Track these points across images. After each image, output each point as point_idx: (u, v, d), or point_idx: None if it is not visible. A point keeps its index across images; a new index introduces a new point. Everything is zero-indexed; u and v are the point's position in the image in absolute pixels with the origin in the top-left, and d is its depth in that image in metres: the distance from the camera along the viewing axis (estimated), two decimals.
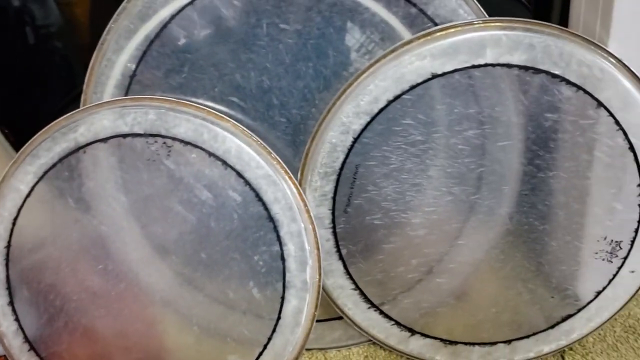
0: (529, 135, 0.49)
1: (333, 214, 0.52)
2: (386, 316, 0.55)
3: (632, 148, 0.48)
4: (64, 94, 0.66)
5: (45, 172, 0.50)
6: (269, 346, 0.51)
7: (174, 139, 0.49)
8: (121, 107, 0.50)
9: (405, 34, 0.51)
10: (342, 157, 0.50)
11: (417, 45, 0.47)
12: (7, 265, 0.52)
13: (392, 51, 0.47)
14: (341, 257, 0.53)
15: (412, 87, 0.48)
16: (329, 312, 0.57)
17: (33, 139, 0.50)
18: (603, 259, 0.52)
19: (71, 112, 0.50)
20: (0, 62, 0.64)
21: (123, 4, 0.50)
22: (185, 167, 0.50)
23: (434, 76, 0.47)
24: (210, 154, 0.49)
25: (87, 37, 0.64)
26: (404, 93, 0.48)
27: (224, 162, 0.49)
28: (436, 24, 0.50)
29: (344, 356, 0.59)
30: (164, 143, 0.49)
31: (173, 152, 0.49)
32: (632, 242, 0.51)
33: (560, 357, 0.58)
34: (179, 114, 0.49)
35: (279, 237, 0.50)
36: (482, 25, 0.46)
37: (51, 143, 0.50)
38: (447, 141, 0.49)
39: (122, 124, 0.49)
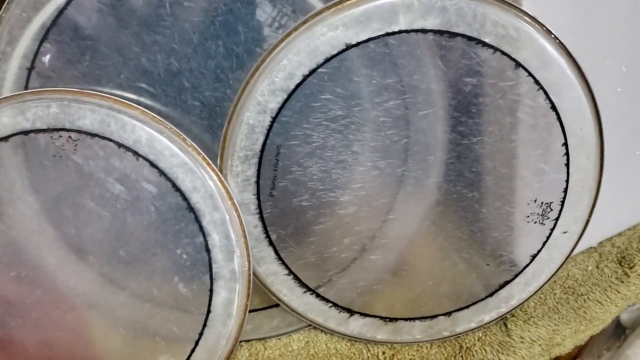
0: (450, 101, 0.47)
1: (258, 198, 0.50)
2: (323, 299, 0.54)
3: (554, 107, 0.47)
4: None
5: None
6: (200, 342, 0.49)
7: (79, 131, 0.46)
8: (20, 102, 0.46)
9: (319, 4, 0.49)
10: (261, 138, 0.48)
11: (329, 15, 0.45)
12: None
13: (304, 22, 0.45)
14: (271, 243, 0.51)
15: (327, 60, 0.46)
16: (265, 300, 0.55)
17: None
18: (535, 222, 0.51)
19: None
20: None
21: None
22: (94, 160, 0.47)
23: (349, 47, 0.45)
24: (120, 145, 0.46)
25: None
26: (319, 66, 0.46)
27: (135, 153, 0.47)
28: None
29: (285, 344, 0.57)
30: (70, 137, 0.46)
31: (80, 146, 0.46)
32: (562, 202, 0.51)
33: (503, 324, 0.58)
34: (83, 104, 0.46)
35: (201, 228, 0.48)
36: None
37: None
38: (368, 114, 0.48)
39: (23, 120, 0.46)
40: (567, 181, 0.50)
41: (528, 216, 0.51)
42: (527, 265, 0.53)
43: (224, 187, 0.48)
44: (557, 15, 0.48)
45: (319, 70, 0.46)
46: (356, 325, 0.55)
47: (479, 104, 0.47)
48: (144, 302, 0.49)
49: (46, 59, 0.48)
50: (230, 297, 0.49)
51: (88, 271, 0.49)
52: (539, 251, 0.52)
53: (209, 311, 0.49)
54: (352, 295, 0.54)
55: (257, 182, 0.49)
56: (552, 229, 0.51)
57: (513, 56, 0.46)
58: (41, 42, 0.47)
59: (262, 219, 0.51)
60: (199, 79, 0.49)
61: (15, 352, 0.49)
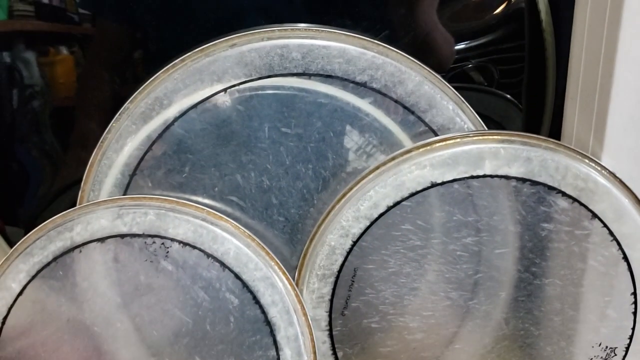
0: (525, 243, 0.49)
1: (330, 316, 0.52)
2: None
3: (625, 258, 0.49)
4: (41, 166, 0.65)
5: (39, 271, 0.49)
6: None
7: (173, 239, 0.49)
8: (119, 206, 0.49)
9: (403, 137, 0.52)
10: (340, 259, 0.50)
11: (417, 155, 0.48)
12: None
13: (392, 159, 0.48)
14: None
15: (412, 195, 0.48)
16: None
17: (27, 236, 0.50)
18: None
19: (67, 211, 0.50)
20: None
21: (126, 104, 0.50)
22: (183, 268, 0.49)
23: (434, 185, 0.48)
24: (209, 256, 0.49)
25: (63, 99, 0.63)
26: (403, 200, 0.48)
27: (222, 264, 0.49)
28: (434, 131, 0.51)
29: None
30: (163, 244, 0.49)
31: (171, 253, 0.49)
32: (627, 348, 0.51)
33: None
34: (179, 214, 0.49)
35: (275, 342, 0.50)
36: (480, 137, 0.47)
37: (46, 241, 0.49)
38: (445, 247, 0.50)
39: (121, 224, 0.49)
40: (633, 329, 0.51)
41: (591, 358, 0.52)
42: None
43: (300, 303, 0.50)
44: (634, 169, 0.50)
45: (403, 203, 0.49)
46: None
47: (553, 249, 0.49)
48: None
49: (147, 168, 0.51)
50: None
51: None
52: None
53: None
54: None
55: (331, 300, 0.51)
56: None
57: (590, 207, 0.48)
58: (145, 152, 0.51)
59: (331, 336, 0.52)
60: (286, 197, 0.52)
61: None
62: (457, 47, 0.62)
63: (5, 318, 0.50)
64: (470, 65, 0.63)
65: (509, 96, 0.62)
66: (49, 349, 0.50)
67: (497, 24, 0.63)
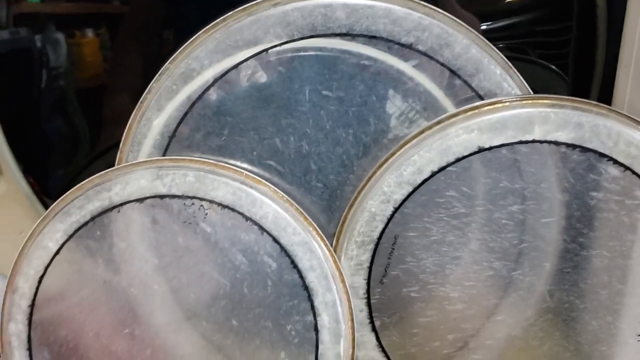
0: (573, 212, 0.48)
1: (368, 284, 0.51)
2: None
3: None
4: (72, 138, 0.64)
5: (76, 231, 0.49)
6: None
7: (211, 201, 0.48)
8: (159, 167, 0.49)
9: (447, 103, 0.51)
10: (381, 226, 0.49)
11: (464, 119, 0.47)
12: (29, 325, 0.50)
13: (438, 123, 0.47)
14: (374, 329, 0.52)
15: (457, 160, 0.47)
16: None
17: (65, 195, 0.49)
18: None
19: (106, 170, 0.49)
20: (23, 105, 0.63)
21: (166, 64, 0.49)
22: (221, 230, 0.48)
23: (481, 150, 0.47)
24: (247, 219, 0.48)
25: (91, 79, 0.63)
26: (449, 165, 0.47)
27: (261, 227, 0.48)
28: (480, 96, 0.50)
29: None
30: (202, 206, 0.48)
31: (210, 215, 0.48)
32: None
33: None
34: (218, 176, 0.48)
35: (313, 307, 0.49)
36: (530, 101, 0.46)
37: (84, 201, 0.49)
38: (490, 215, 0.48)
39: (160, 185, 0.48)
40: None
41: (639, 334, 0.50)
42: None
43: (338, 269, 0.49)
44: None
45: (449, 168, 0.47)
46: None
47: (602, 219, 0.48)
48: None
49: (187, 129, 0.51)
50: None
51: (198, 336, 0.50)
52: None
53: None
54: None
55: (370, 267, 0.50)
56: None
57: None
58: (185, 113, 0.50)
59: (369, 304, 0.51)
60: (326, 163, 0.51)
61: None
62: (498, 25, 0.60)
63: (41, 277, 0.50)
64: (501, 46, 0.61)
65: (553, 67, 0.60)
66: (85, 310, 0.50)
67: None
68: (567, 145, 0.46)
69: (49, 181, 0.64)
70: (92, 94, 0.63)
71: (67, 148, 0.63)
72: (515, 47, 0.61)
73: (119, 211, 0.49)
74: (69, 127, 0.63)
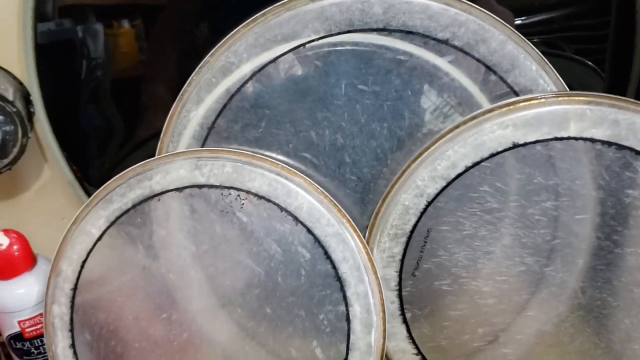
0: (607, 210, 0.48)
1: (400, 276, 0.51)
2: None
3: None
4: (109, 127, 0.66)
5: (118, 218, 0.51)
6: None
7: (248, 192, 0.49)
8: (198, 157, 0.50)
9: (482, 99, 0.51)
10: (414, 219, 0.50)
11: (499, 114, 0.47)
12: (72, 307, 0.52)
13: (473, 118, 0.47)
14: (405, 321, 0.53)
15: (492, 155, 0.47)
16: None
17: (107, 183, 0.51)
18: None
19: (147, 160, 0.51)
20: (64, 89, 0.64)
21: (206, 57, 0.51)
22: (257, 220, 0.50)
23: (515, 145, 0.47)
24: (282, 209, 0.49)
25: (126, 70, 0.65)
26: (483, 160, 0.48)
27: (296, 218, 0.49)
28: (515, 92, 0.50)
29: None
30: (239, 196, 0.49)
31: (246, 205, 0.49)
32: None
33: None
34: (255, 167, 0.50)
35: (345, 297, 0.50)
36: (566, 98, 0.46)
37: (126, 189, 0.51)
38: (523, 211, 0.49)
39: (199, 175, 0.50)
40: None
41: None
42: None
43: (370, 261, 0.50)
44: None
45: (483, 163, 0.48)
46: None
47: (637, 217, 0.47)
48: None
49: (225, 121, 0.52)
50: None
51: (233, 323, 0.51)
52: None
53: None
54: None
55: (402, 260, 0.51)
56: None
57: None
58: (224, 105, 0.51)
59: (400, 296, 0.52)
60: (360, 156, 0.52)
61: None
62: (533, 20, 0.60)
63: (84, 262, 0.51)
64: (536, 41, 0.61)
65: (590, 63, 0.60)
66: (125, 294, 0.52)
67: None
68: (603, 142, 0.46)
69: (90, 169, 0.66)
70: (127, 85, 0.64)
71: (105, 137, 0.64)
72: (551, 42, 0.60)
73: (159, 200, 0.50)
74: (106, 117, 0.65)
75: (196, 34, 0.61)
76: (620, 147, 0.46)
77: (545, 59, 0.49)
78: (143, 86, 0.64)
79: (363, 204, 0.54)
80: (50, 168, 0.64)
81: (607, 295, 0.50)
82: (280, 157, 0.53)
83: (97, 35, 0.62)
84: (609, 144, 0.46)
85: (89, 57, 0.63)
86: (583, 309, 0.51)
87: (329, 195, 0.50)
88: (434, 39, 0.49)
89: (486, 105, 0.50)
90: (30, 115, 0.60)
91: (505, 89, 0.50)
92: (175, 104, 0.52)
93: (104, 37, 0.62)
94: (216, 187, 0.50)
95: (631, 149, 0.46)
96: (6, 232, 0.54)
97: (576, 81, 0.60)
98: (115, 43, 0.62)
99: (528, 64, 0.49)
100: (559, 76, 0.50)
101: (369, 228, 0.51)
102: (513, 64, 0.49)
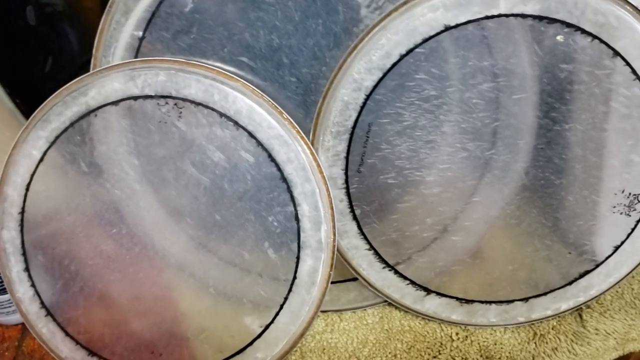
0: (544, 87, 0.48)
1: (346, 174, 0.52)
2: (401, 276, 0.55)
3: None
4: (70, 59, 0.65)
5: (57, 137, 0.50)
6: (285, 306, 0.51)
7: (184, 99, 0.49)
8: (131, 69, 0.49)
9: None
10: (354, 115, 0.50)
11: None
12: (21, 231, 0.52)
13: (404, 3, 0.47)
14: (355, 218, 0.53)
15: (425, 40, 0.47)
16: (343, 273, 0.57)
17: (44, 104, 0.50)
18: (621, 213, 0.51)
19: (81, 76, 0.50)
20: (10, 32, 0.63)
21: None
22: (197, 128, 0.49)
23: (447, 28, 0.46)
24: (222, 115, 0.49)
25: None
26: (416, 46, 0.47)
27: (236, 123, 0.49)
28: None
29: (359, 317, 0.59)
30: (175, 104, 0.49)
31: (184, 114, 0.49)
32: None
33: (578, 315, 0.58)
34: (189, 74, 0.49)
35: (292, 198, 0.50)
36: None
37: (62, 107, 0.50)
38: (461, 95, 0.49)
39: (133, 86, 0.49)
40: None
41: (614, 207, 0.51)
42: (609, 256, 0.53)
43: (315, 160, 0.50)
44: None
45: (416, 50, 0.47)
46: (432, 305, 0.56)
47: (573, 91, 0.47)
48: (235, 265, 0.51)
49: (156, 30, 0.51)
50: (315, 265, 0.50)
51: (183, 233, 0.51)
52: (622, 242, 0.52)
53: (294, 277, 0.51)
54: (430, 275, 0.55)
55: (347, 157, 0.51)
56: (638, 221, 0.51)
57: (611, 45, 0.46)
58: (153, 13, 0.50)
59: (348, 194, 0.52)
60: (297, 56, 0.51)
61: (111, 304, 0.52)
62: None
63: (28, 185, 0.51)
64: None
65: None
66: (73, 213, 0.52)
67: None
68: (534, 17, 0.46)
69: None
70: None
71: (44, 60, 0.63)
72: None
73: (96, 115, 0.50)
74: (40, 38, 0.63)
75: None
76: (552, 20, 0.46)
77: None
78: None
79: (306, 106, 0.53)
80: None
81: (549, 174, 0.51)
82: (217, 63, 0.52)
83: None
84: (540, 18, 0.46)
85: None
86: (528, 190, 0.51)
87: (269, 98, 0.49)
88: None
89: None
90: None
91: None
92: (104, 16, 0.50)
93: None
94: (152, 97, 0.49)
95: (562, 22, 0.46)
96: None
97: None
98: None
99: None
100: None
101: (312, 128, 0.51)
102: None
